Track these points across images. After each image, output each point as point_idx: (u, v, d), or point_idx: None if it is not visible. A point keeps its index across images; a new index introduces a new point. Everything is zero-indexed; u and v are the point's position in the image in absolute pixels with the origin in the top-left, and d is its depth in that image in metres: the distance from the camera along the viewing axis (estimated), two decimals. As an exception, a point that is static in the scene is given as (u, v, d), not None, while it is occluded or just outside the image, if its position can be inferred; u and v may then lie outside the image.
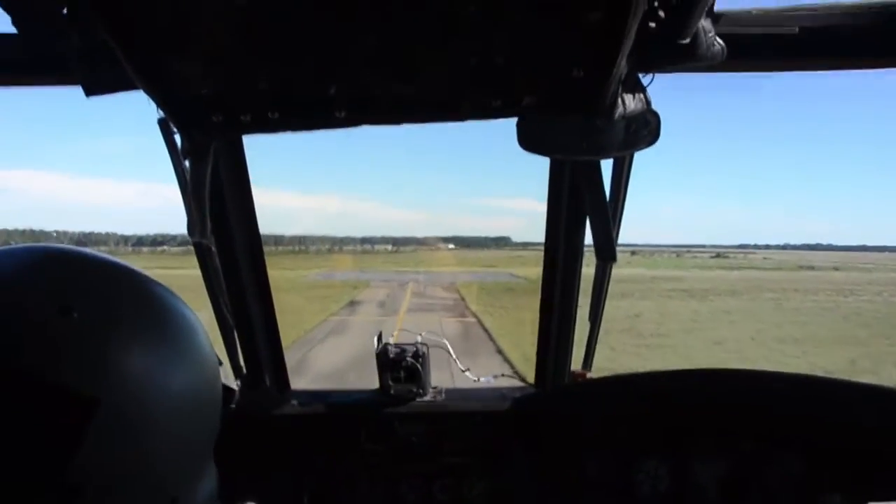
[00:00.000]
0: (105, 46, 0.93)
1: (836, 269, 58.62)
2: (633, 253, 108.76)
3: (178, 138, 1.44)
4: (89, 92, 1.13)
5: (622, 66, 0.97)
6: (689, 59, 1.03)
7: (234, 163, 1.87)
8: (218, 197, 1.83)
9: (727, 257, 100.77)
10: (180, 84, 1.01)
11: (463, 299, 26.38)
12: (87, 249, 0.79)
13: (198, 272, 2.02)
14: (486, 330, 17.13)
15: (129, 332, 0.70)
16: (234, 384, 2.25)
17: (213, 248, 1.94)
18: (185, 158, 1.46)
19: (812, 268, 60.71)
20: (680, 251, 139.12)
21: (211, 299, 2.09)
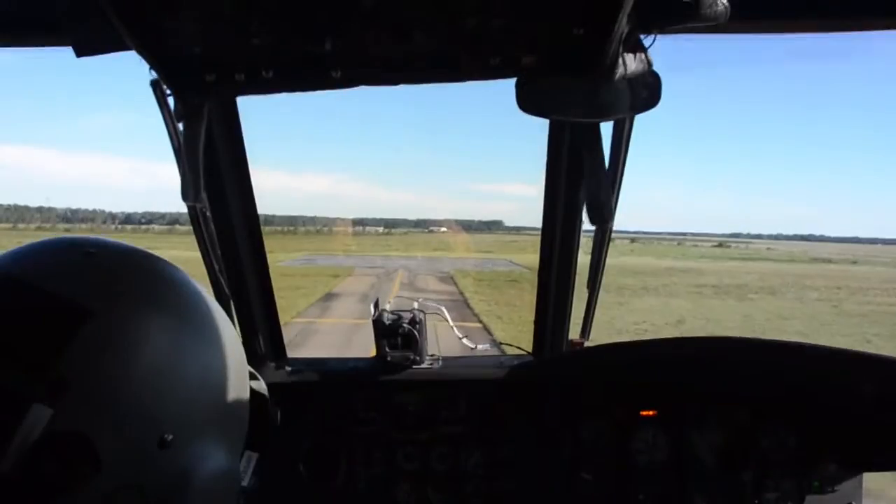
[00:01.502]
0: (96, 4, 0.91)
1: (854, 262, 55.43)
2: (632, 240, 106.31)
3: (171, 100, 1.43)
4: (80, 52, 1.10)
5: (623, 24, 0.94)
6: (691, 17, 1.00)
7: (228, 126, 1.86)
8: (212, 161, 1.83)
9: (730, 247, 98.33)
10: (173, 42, 0.99)
11: (461, 293, 22.00)
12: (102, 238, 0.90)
13: (173, 252, 1.92)
14: (498, 345, 12.87)
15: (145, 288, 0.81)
16: None
17: (208, 214, 1.92)
18: (178, 121, 1.44)
19: (829, 261, 57.44)
20: (679, 239, 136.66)
21: (206, 266, 2.05)
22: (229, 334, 0.89)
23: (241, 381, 0.89)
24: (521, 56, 0.99)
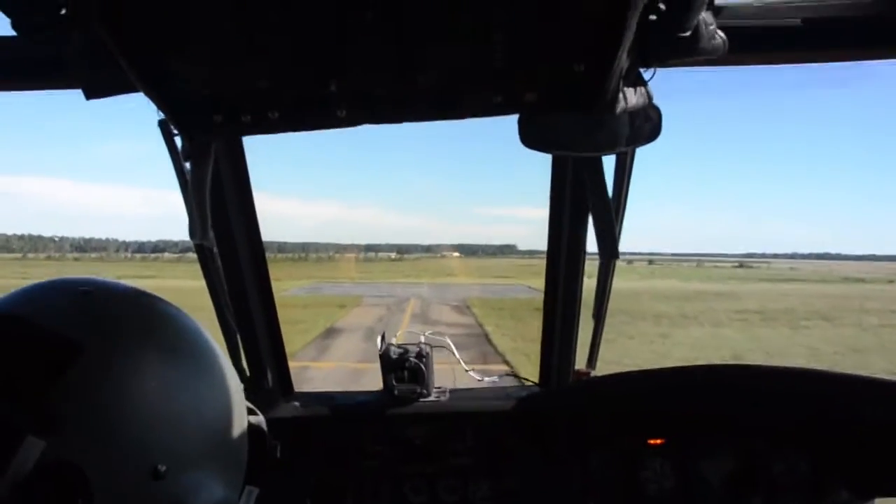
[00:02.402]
0: (105, 48, 0.93)
1: (891, 282, 52.37)
2: (650, 262, 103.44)
3: (178, 140, 1.43)
4: (89, 95, 1.11)
5: (623, 59, 0.96)
6: (690, 52, 1.02)
7: (234, 164, 1.88)
8: (219, 199, 1.84)
9: (751, 267, 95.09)
10: (180, 85, 1.01)
11: (481, 326, 19.72)
12: (100, 279, 0.88)
13: (172, 283, 5.25)
14: (504, 375, 10.56)
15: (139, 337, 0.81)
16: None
17: (215, 251, 1.93)
18: (185, 160, 1.46)
19: (863, 280, 54.42)
20: (697, 260, 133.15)
21: (213, 302, 2.05)
22: (226, 368, 0.89)
23: (238, 414, 0.89)
24: (522, 93, 1.00)
